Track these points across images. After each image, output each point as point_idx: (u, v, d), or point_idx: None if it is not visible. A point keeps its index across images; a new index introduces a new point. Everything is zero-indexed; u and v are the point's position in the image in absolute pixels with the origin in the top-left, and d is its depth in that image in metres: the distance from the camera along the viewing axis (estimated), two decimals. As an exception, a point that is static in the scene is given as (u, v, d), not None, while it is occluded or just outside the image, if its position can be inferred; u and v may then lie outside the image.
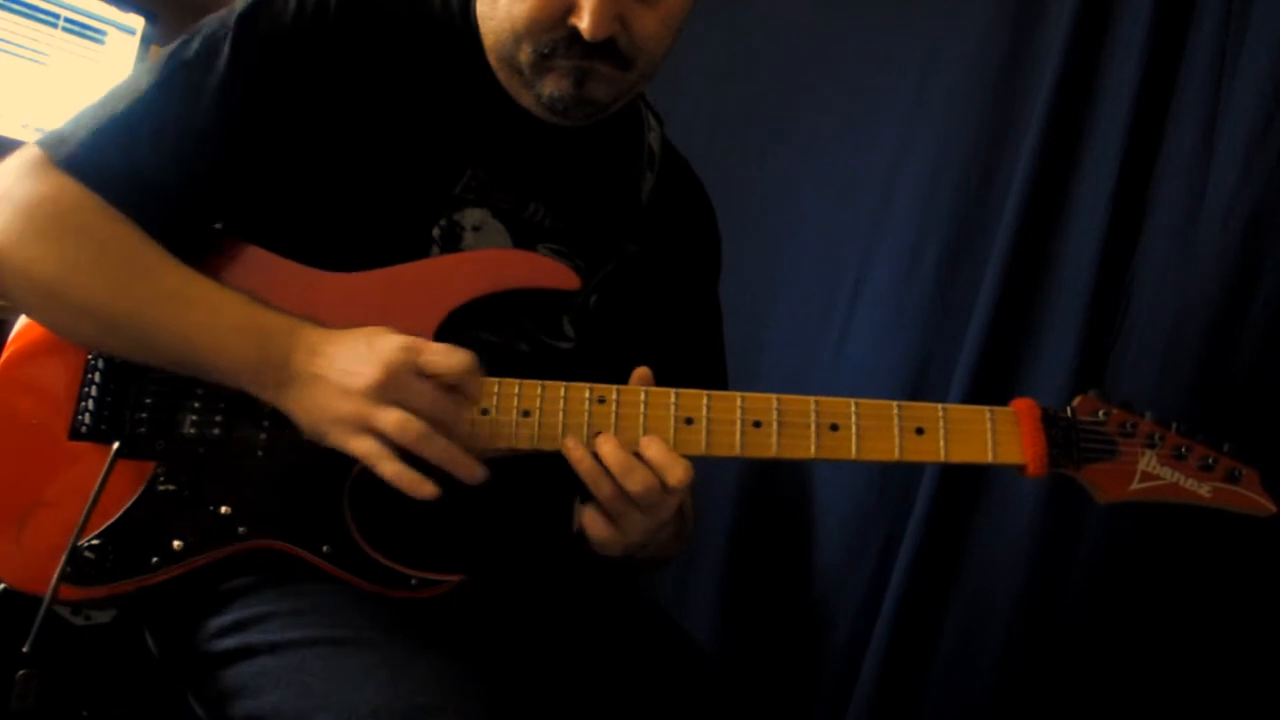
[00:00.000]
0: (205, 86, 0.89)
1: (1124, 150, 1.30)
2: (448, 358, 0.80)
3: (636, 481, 0.81)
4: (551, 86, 0.92)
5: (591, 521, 0.84)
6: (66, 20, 2.07)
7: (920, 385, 1.52)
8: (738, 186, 1.24)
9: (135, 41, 2.15)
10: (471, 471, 0.81)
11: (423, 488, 0.79)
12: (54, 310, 0.87)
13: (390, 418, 0.78)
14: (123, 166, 0.87)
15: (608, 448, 0.82)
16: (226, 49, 0.90)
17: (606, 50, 0.90)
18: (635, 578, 1.00)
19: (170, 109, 0.89)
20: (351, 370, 0.79)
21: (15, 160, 0.88)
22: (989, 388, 1.38)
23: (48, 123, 2.07)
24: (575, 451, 0.83)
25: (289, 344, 0.82)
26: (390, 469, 0.79)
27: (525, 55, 0.92)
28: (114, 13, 2.13)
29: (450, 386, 0.81)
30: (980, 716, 1.35)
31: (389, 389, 0.78)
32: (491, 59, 0.98)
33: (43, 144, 0.88)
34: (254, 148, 0.91)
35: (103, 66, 2.13)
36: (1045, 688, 1.29)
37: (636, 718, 0.93)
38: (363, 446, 0.80)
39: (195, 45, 0.91)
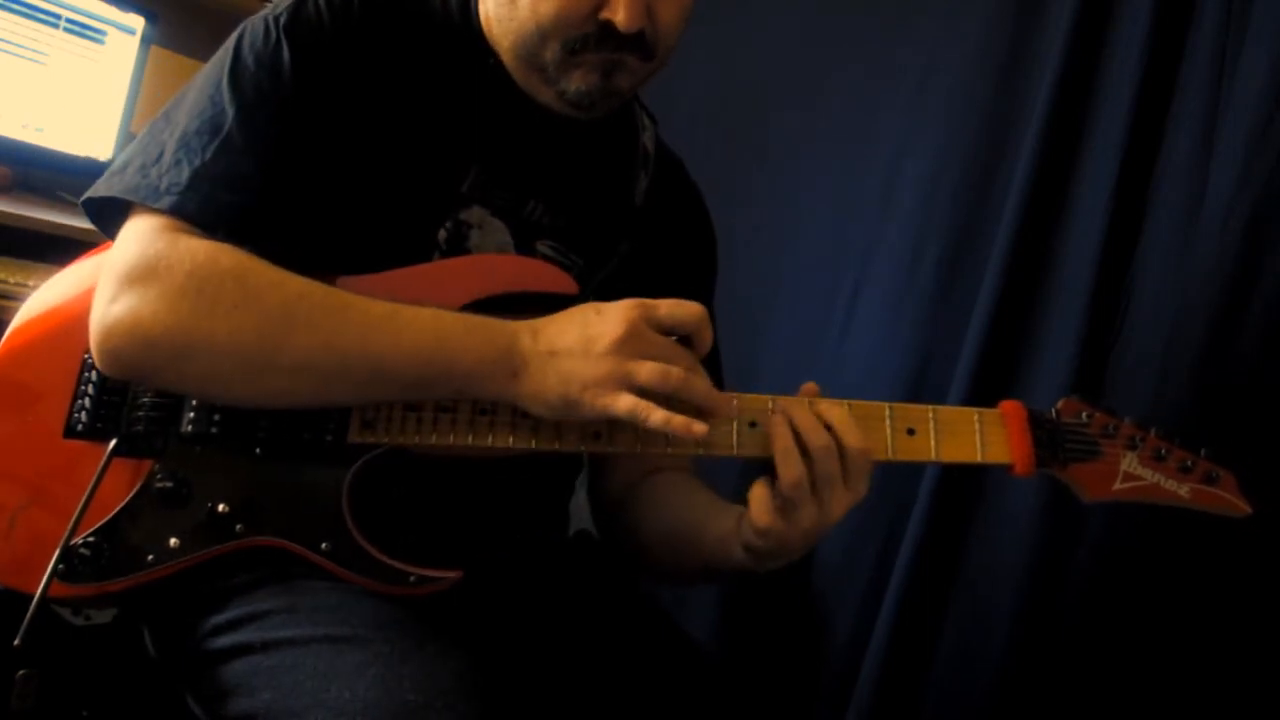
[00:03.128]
0: (284, 106, 0.88)
1: (1124, 150, 1.30)
2: (681, 308, 0.80)
3: (818, 439, 0.81)
4: (579, 81, 0.93)
5: (761, 509, 0.82)
6: (67, 21, 2.07)
7: (920, 385, 1.52)
8: (738, 187, 1.24)
9: (135, 41, 2.15)
10: (730, 408, 0.84)
11: (695, 427, 0.78)
12: (266, 377, 0.82)
13: (647, 368, 0.78)
14: (244, 208, 0.85)
15: (801, 413, 0.83)
16: (287, 62, 0.88)
17: (636, 42, 0.91)
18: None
19: (260, 137, 0.87)
20: (590, 335, 0.78)
21: (134, 235, 0.84)
22: (989, 388, 1.38)
23: (47, 123, 2.07)
24: (780, 426, 0.82)
25: (508, 332, 0.81)
26: (660, 416, 0.77)
27: (552, 53, 0.92)
28: (114, 13, 2.13)
29: (683, 338, 0.82)
30: (980, 717, 1.35)
31: (633, 344, 0.78)
32: (507, 58, 0.98)
33: (146, 202, 0.84)
34: (323, 155, 0.90)
35: (103, 66, 2.13)
36: (1045, 688, 1.29)
37: (634, 717, 0.93)
38: (625, 402, 0.77)
39: (250, 65, 0.89)
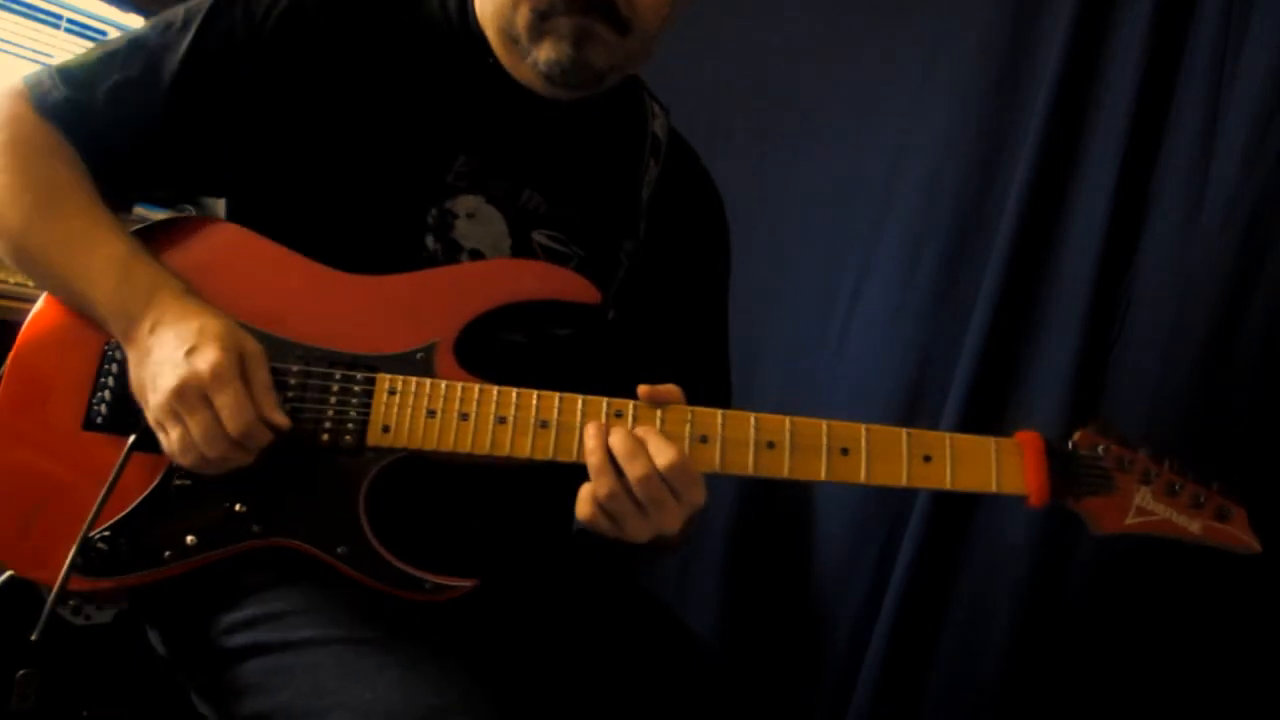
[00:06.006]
0: (169, 53, 0.93)
1: (1124, 150, 1.30)
2: (232, 413, 0.81)
3: (638, 468, 0.79)
4: (549, 50, 0.93)
5: (580, 503, 0.82)
6: (68, 21, 2.07)
7: (921, 385, 1.51)
8: (737, 187, 1.24)
9: (136, 42, 2.16)
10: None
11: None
12: (7, 247, 0.92)
13: (174, 435, 0.82)
14: (76, 108, 0.92)
15: (617, 434, 0.81)
16: (197, 23, 0.93)
17: (605, 9, 0.91)
18: (634, 559, 0.99)
19: (132, 68, 0.93)
20: (162, 370, 0.82)
21: (5, 87, 0.96)
22: (989, 388, 1.38)
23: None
24: (591, 441, 0.81)
25: (143, 307, 0.85)
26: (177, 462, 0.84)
27: (523, 19, 0.92)
28: (114, 13, 2.13)
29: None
30: (980, 717, 1.35)
31: (179, 404, 0.81)
32: (490, 34, 0.98)
33: (26, 76, 0.95)
34: (215, 123, 0.94)
35: (103, 67, 2.14)
36: (1046, 688, 1.29)
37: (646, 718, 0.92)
38: (163, 440, 0.84)
39: (180, 15, 0.95)
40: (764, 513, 1.73)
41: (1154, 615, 1.21)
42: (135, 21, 2.16)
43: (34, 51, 2.04)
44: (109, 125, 0.93)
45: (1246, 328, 1.19)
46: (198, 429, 0.80)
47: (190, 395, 0.80)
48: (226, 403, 0.80)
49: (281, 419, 0.83)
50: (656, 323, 1.08)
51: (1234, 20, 1.24)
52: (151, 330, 0.84)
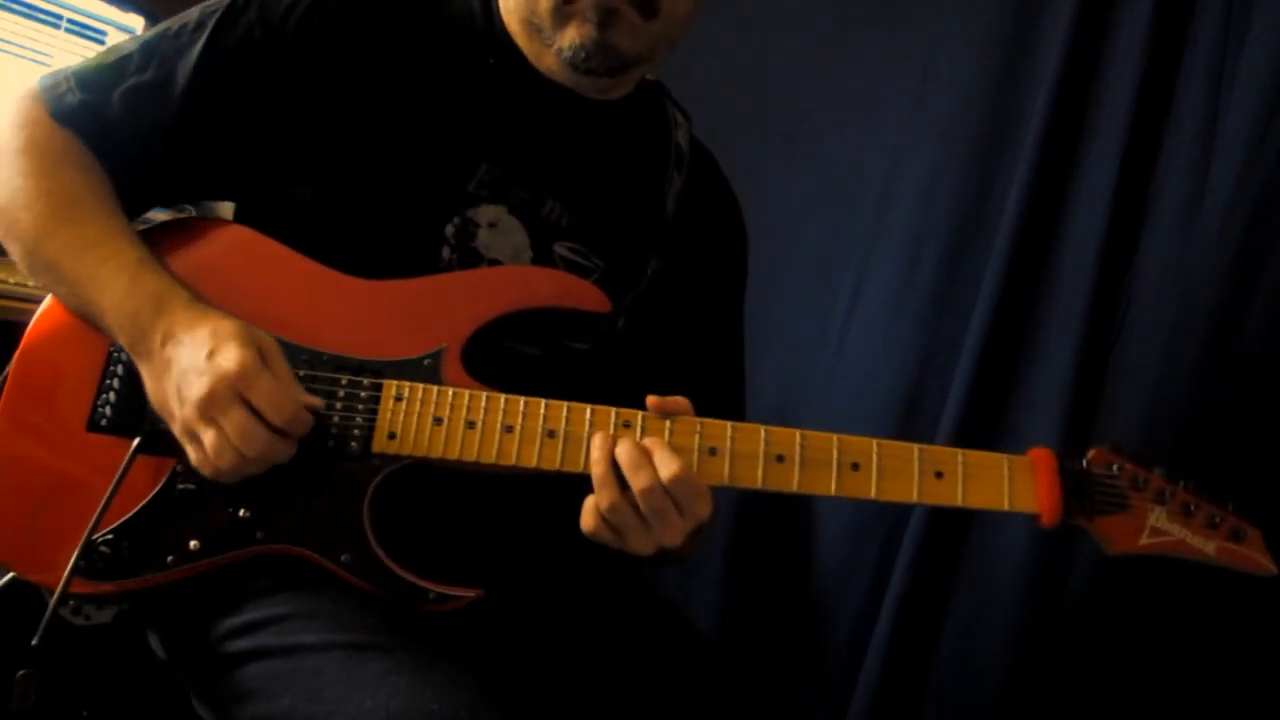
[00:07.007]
0: (183, 56, 0.92)
1: (1124, 151, 1.30)
2: (272, 402, 0.79)
3: (642, 479, 0.79)
4: (573, 35, 0.92)
5: (584, 515, 0.83)
6: (69, 21, 2.07)
7: (920, 386, 1.51)
8: (737, 187, 1.24)
9: (136, 42, 2.16)
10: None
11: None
12: (20, 255, 0.91)
13: (208, 439, 0.80)
14: (91, 112, 0.91)
15: (624, 444, 0.81)
16: (212, 24, 0.93)
17: None
18: (637, 570, 0.99)
19: (146, 71, 0.92)
20: (186, 379, 0.80)
21: (20, 90, 0.95)
22: (989, 388, 1.38)
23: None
24: (597, 452, 0.81)
25: (152, 318, 0.84)
26: (208, 474, 0.82)
27: (546, 4, 0.92)
28: (114, 13, 2.13)
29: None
30: (981, 717, 1.35)
31: (212, 407, 0.79)
32: (513, 26, 0.98)
33: (41, 80, 0.94)
34: (231, 126, 0.93)
35: (103, 67, 2.14)
36: (1047, 688, 1.29)
37: None
38: (191, 452, 0.82)
39: (194, 16, 0.94)
40: (765, 513, 1.73)
41: (1154, 614, 1.21)
42: (135, 21, 2.16)
43: (34, 51, 2.04)
44: (125, 129, 0.92)
45: (1246, 328, 1.19)
46: (234, 428, 0.79)
47: (222, 397, 0.78)
48: (264, 393, 0.79)
49: (314, 399, 0.82)
50: (675, 334, 1.07)
51: (1234, 20, 1.24)
52: (164, 343, 0.83)
